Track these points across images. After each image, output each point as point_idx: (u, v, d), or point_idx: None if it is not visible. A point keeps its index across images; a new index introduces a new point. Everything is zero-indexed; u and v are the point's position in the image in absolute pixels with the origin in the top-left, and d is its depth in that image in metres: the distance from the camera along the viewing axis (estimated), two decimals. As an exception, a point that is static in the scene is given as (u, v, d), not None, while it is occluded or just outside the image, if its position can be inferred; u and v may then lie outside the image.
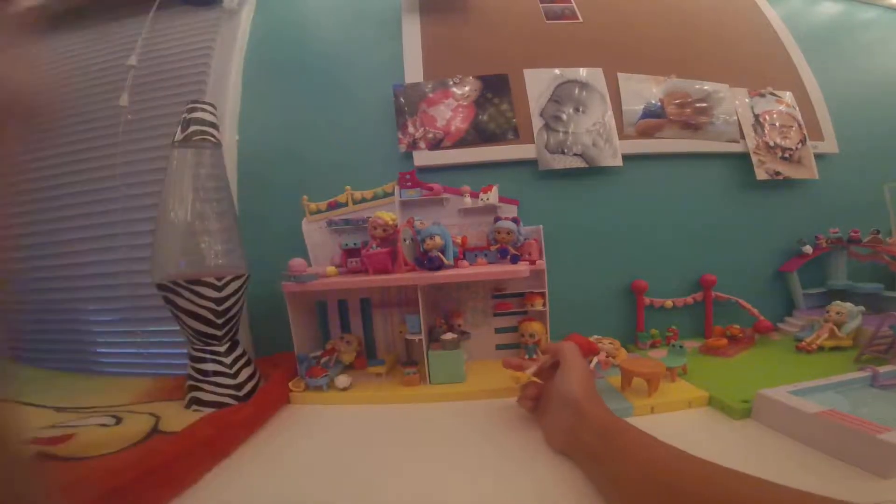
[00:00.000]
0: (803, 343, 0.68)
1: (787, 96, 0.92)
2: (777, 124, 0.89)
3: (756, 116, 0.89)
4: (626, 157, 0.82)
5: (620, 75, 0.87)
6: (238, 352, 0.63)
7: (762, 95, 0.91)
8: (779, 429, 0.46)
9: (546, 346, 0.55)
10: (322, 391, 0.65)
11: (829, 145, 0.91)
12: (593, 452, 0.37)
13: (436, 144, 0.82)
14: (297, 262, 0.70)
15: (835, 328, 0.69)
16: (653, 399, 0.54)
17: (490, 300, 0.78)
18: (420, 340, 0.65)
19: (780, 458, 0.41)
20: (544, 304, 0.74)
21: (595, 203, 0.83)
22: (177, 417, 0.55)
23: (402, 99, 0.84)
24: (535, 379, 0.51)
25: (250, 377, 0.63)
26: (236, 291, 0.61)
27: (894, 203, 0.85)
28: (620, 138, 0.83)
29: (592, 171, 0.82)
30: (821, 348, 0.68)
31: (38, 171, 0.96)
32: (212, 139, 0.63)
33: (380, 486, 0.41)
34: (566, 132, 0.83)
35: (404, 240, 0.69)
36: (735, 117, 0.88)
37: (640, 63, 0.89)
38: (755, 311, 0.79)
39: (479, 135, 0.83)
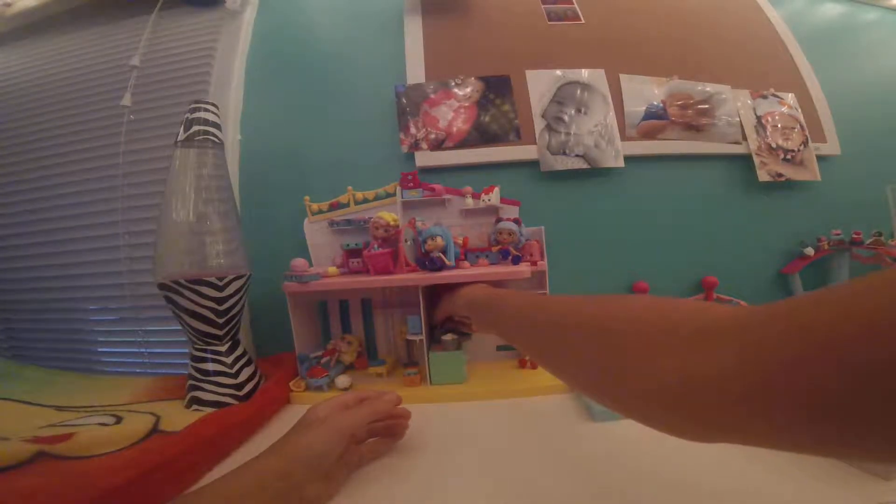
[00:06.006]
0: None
1: (790, 98, 0.92)
2: (779, 126, 0.88)
3: (758, 118, 0.88)
4: (628, 159, 0.82)
5: (622, 76, 0.87)
6: (239, 351, 0.63)
7: (764, 97, 0.91)
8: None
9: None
10: (322, 391, 0.64)
11: (832, 147, 0.91)
12: (492, 322, 0.48)
13: (438, 145, 0.82)
14: (298, 262, 0.70)
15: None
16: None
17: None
18: (421, 341, 0.65)
19: (780, 458, 0.41)
20: (545, 305, 0.74)
21: (597, 204, 0.83)
22: (177, 417, 0.55)
23: (404, 99, 0.85)
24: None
25: (251, 377, 0.63)
26: (238, 291, 0.61)
27: (896, 205, 0.85)
28: (622, 140, 0.83)
29: (594, 173, 0.82)
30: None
31: (39, 170, 0.96)
32: (214, 139, 0.63)
33: (379, 487, 0.41)
34: (568, 133, 0.83)
35: (406, 240, 0.69)
36: (737, 119, 0.88)
37: (642, 64, 0.89)
38: (757, 312, 0.79)
39: (480, 136, 0.83)
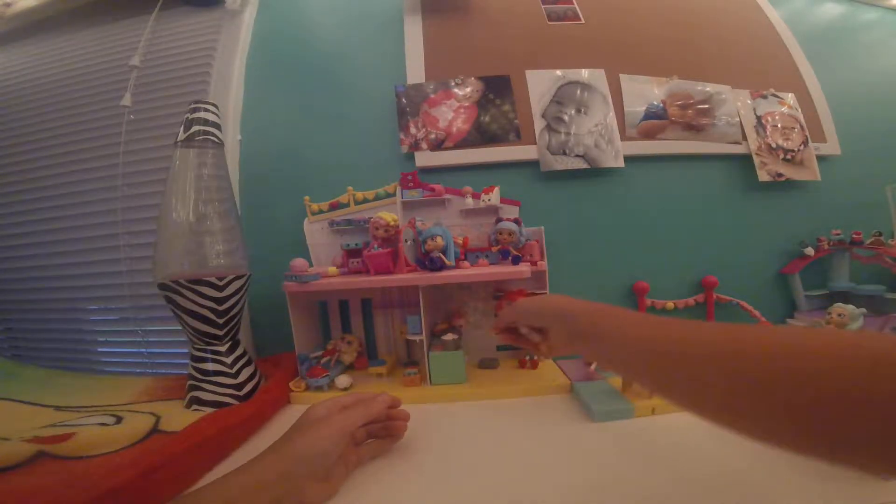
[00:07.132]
0: (805, 345, 0.68)
1: (790, 98, 0.92)
2: (779, 126, 0.88)
3: (758, 118, 0.88)
4: (627, 159, 0.82)
5: (622, 76, 0.87)
6: (239, 351, 0.63)
7: (764, 97, 0.91)
8: (781, 431, 0.45)
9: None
10: (323, 391, 0.64)
11: (832, 147, 0.91)
12: (591, 338, 0.39)
13: (438, 145, 0.82)
14: (298, 262, 0.70)
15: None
16: (654, 400, 0.54)
17: (491, 301, 0.78)
18: (421, 341, 0.65)
19: (779, 459, 0.41)
20: (545, 305, 0.73)
21: (597, 204, 0.83)
22: (177, 417, 0.55)
23: (403, 99, 0.85)
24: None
25: (251, 377, 0.63)
26: (237, 291, 0.61)
27: (896, 204, 0.85)
28: (622, 139, 0.83)
29: (594, 173, 0.82)
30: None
31: (39, 170, 0.96)
32: (214, 139, 0.63)
33: (379, 487, 0.41)
34: (568, 133, 0.83)
35: (406, 240, 0.69)
36: (737, 119, 0.88)
37: (642, 64, 0.89)
38: (757, 312, 0.79)
39: (480, 136, 0.83)
